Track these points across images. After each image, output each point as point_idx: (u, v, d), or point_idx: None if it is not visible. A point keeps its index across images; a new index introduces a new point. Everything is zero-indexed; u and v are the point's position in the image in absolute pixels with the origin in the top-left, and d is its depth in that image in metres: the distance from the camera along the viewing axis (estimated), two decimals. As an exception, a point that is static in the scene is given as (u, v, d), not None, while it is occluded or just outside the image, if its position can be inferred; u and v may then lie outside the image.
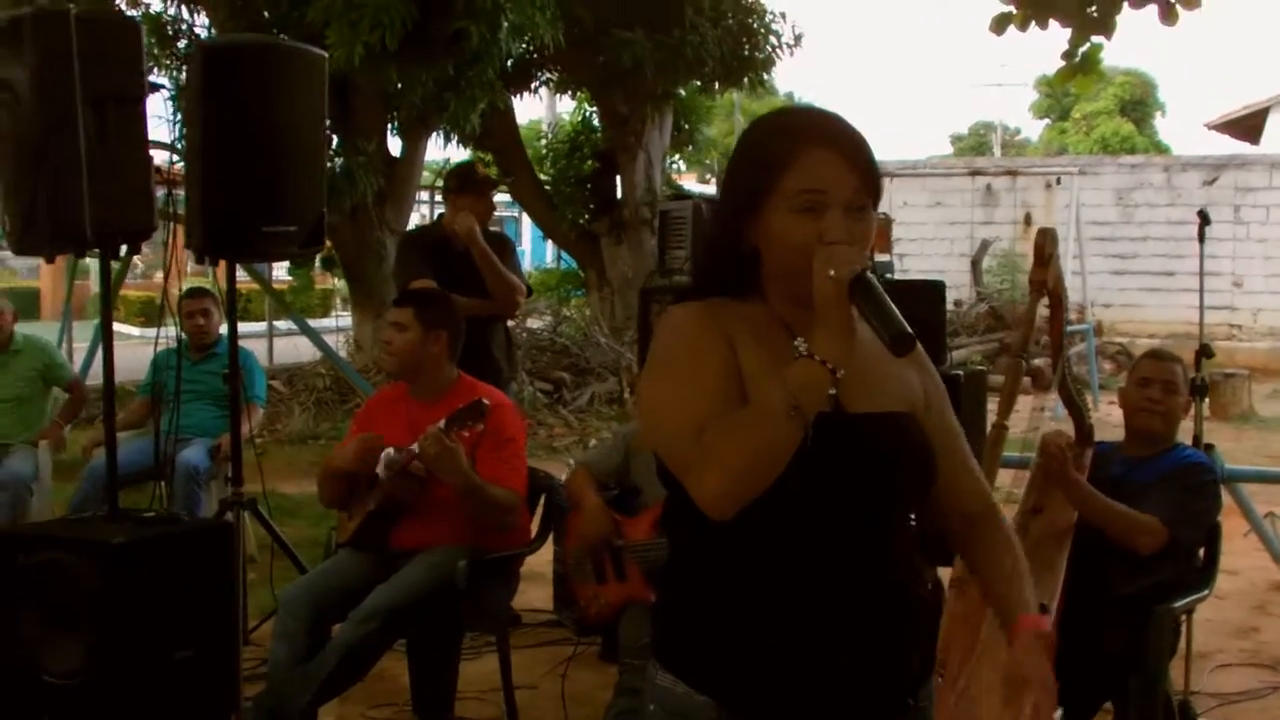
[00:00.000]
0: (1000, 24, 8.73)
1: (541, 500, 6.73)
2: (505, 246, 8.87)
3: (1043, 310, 5.45)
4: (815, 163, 2.74)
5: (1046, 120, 62.12)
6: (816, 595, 2.74)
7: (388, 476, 6.00)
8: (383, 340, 6.37)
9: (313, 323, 15.37)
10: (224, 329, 9.33)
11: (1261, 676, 7.69)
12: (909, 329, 2.58)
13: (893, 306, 2.62)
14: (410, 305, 6.36)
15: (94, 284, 32.69)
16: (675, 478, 2.73)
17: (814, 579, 2.74)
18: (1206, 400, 7.37)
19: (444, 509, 6.03)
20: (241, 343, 7.33)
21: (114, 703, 5.69)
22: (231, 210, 6.25)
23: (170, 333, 7.91)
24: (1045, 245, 5.15)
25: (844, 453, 2.70)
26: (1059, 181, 29.56)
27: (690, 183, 34.32)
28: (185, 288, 9.07)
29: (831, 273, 2.59)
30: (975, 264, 27.27)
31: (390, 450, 6.03)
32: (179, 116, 14.28)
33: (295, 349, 19.31)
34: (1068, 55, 8.96)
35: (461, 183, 8.63)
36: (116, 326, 7.22)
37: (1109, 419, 6.00)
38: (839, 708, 2.78)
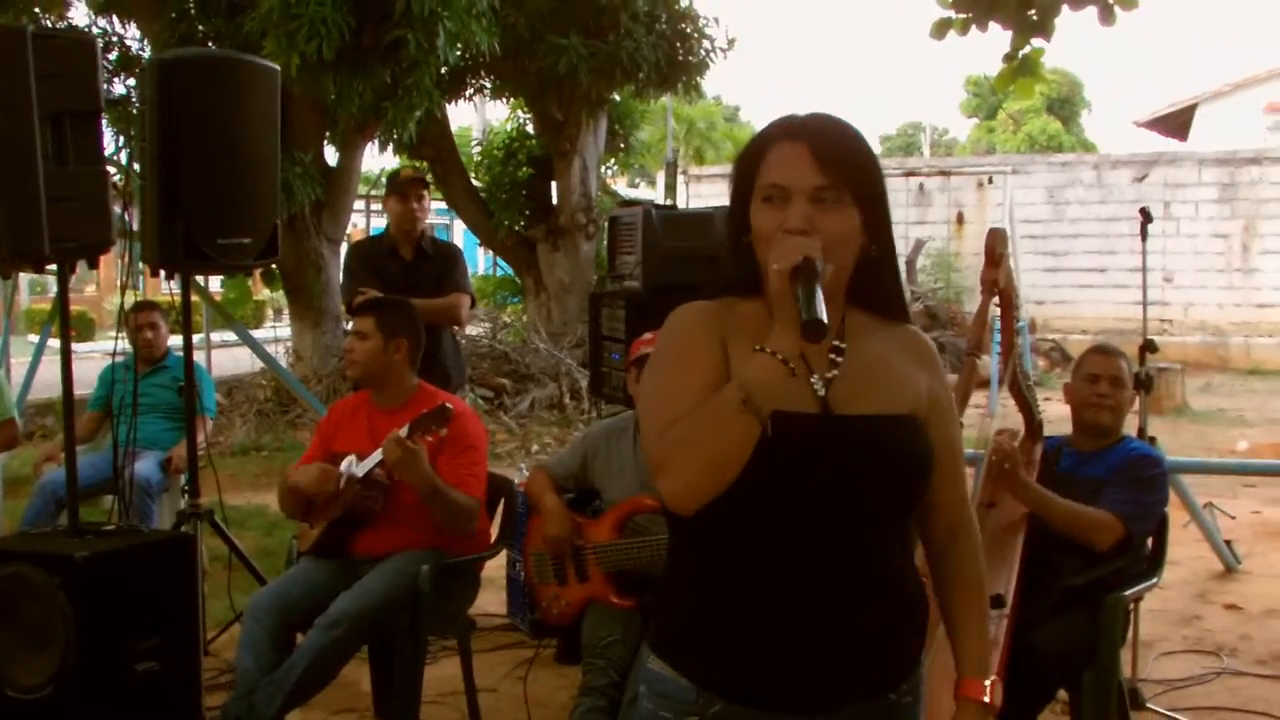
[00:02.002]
0: (940, 29, 8.76)
1: (500, 505, 6.77)
2: (454, 257, 8.94)
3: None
4: (780, 155, 2.81)
5: (975, 119, 62.39)
6: (801, 588, 2.80)
7: (349, 484, 6.03)
8: (344, 349, 6.39)
9: (250, 334, 15.33)
10: (171, 341, 9.36)
11: (1204, 663, 7.84)
12: (822, 317, 2.55)
13: (818, 295, 2.61)
14: (371, 314, 6.39)
15: (24, 299, 32.58)
16: None
17: (799, 573, 2.80)
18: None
19: (406, 515, 6.07)
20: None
21: (78, 716, 5.70)
22: (187, 223, 6.26)
23: (113, 347, 7.90)
24: (996, 246, 5.21)
25: (827, 453, 2.75)
26: (991, 180, 29.74)
27: (621, 187, 34.33)
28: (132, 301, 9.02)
29: (775, 266, 2.63)
30: (910, 264, 27.36)
31: (352, 458, 6.07)
32: (116, 129, 14.31)
33: (234, 360, 19.25)
34: (1009, 58, 9.01)
35: (388, 186, 8.78)
36: (49, 342, 7.19)
37: (1047, 415, 6.07)
38: (814, 696, 2.84)
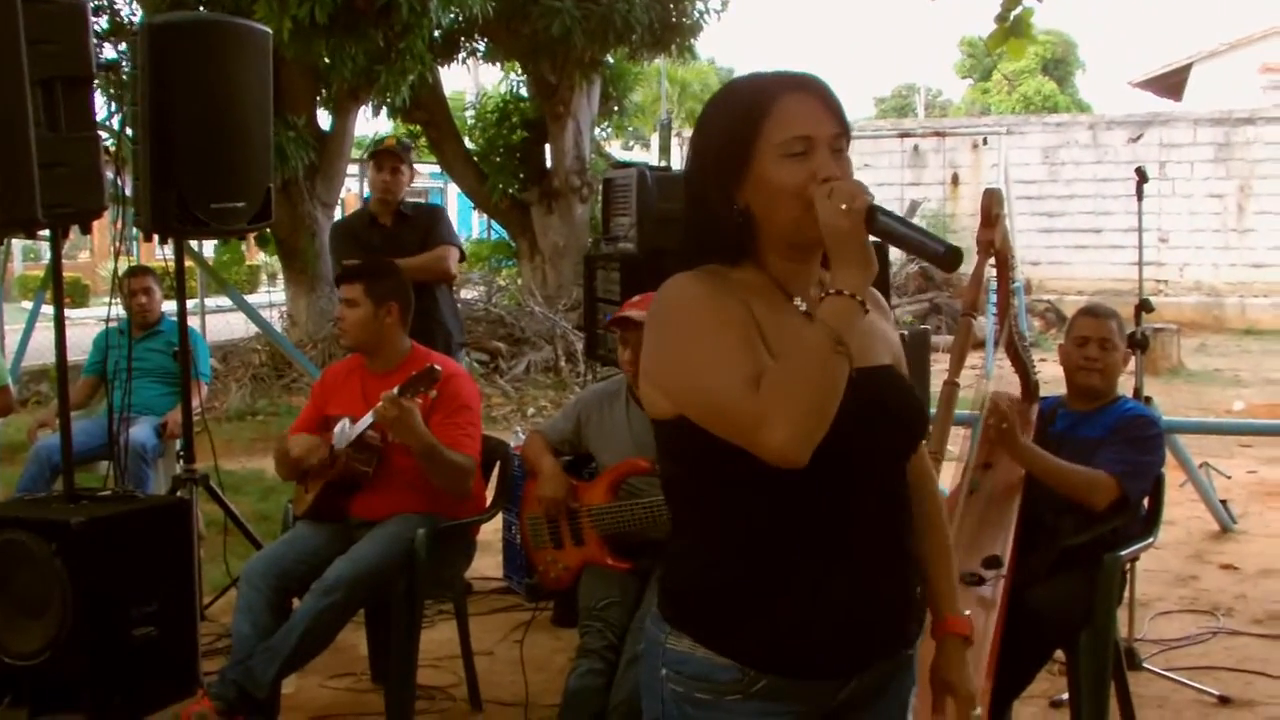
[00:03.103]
0: (935, -12, 8.79)
1: (496, 468, 6.77)
2: (435, 215, 8.99)
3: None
4: (796, 107, 2.76)
5: (969, 80, 62.31)
6: (839, 550, 2.78)
7: (344, 448, 6.03)
8: (336, 317, 6.37)
9: (245, 298, 15.30)
10: (164, 307, 9.35)
11: (1200, 622, 7.87)
12: (952, 244, 2.62)
13: (920, 228, 2.69)
14: (360, 280, 6.35)
15: (17, 266, 32.51)
16: (689, 442, 2.76)
17: (835, 534, 2.78)
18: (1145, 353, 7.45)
19: (401, 479, 6.07)
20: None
21: (76, 682, 5.72)
22: (181, 188, 6.26)
23: (107, 313, 7.89)
24: (991, 206, 5.19)
25: (853, 409, 2.67)
26: (986, 142, 29.68)
27: (615, 150, 34.32)
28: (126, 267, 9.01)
29: (843, 206, 2.61)
30: (906, 223, 27.29)
31: (345, 421, 6.07)
32: (108, 95, 14.26)
33: (228, 325, 19.24)
34: (1000, 19, 9.00)
35: (369, 155, 8.81)
36: (43, 308, 7.18)
37: (1042, 375, 6.08)
38: (854, 660, 2.84)
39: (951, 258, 2.61)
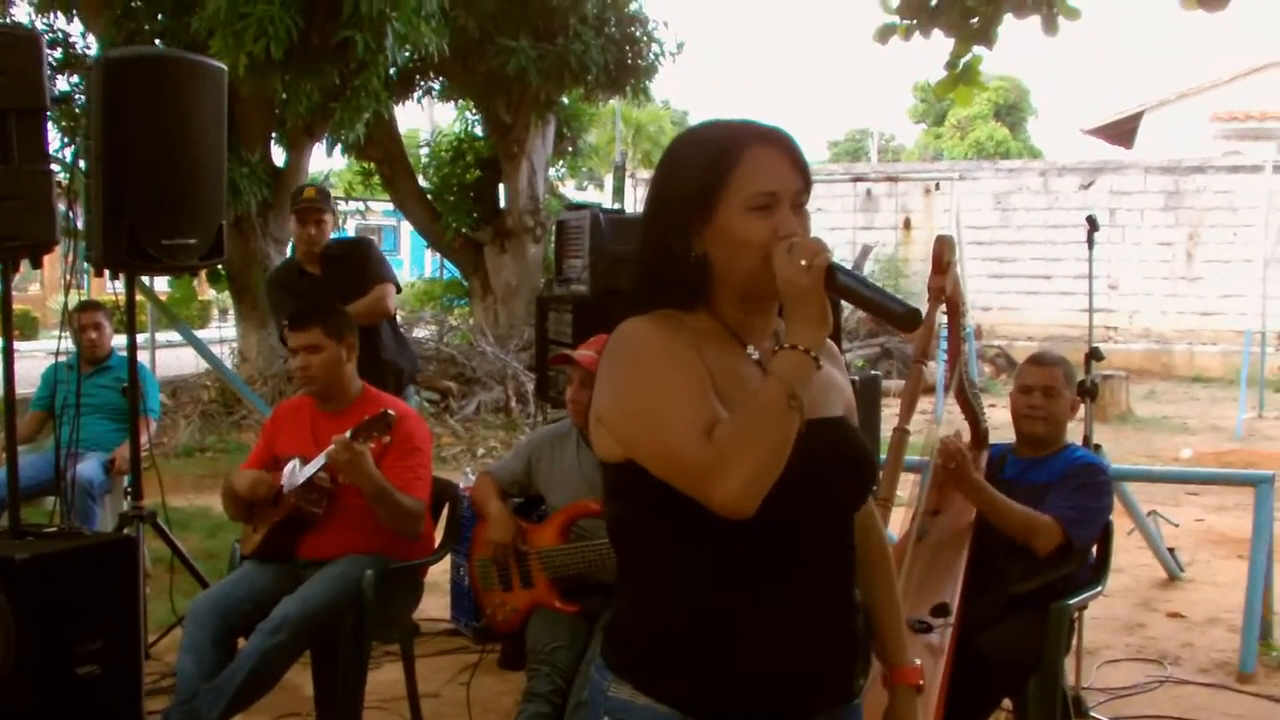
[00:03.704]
0: (884, 34, 8.77)
1: (445, 510, 6.74)
2: (364, 250, 8.97)
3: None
4: (764, 160, 2.77)
5: (922, 125, 62.61)
6: (785, 600, 2.78)
7: (293, 488, 6.00)
8: (298, 367, 6.29)
9: (195, 334, 15.24)
10: (115, 341, 9.30)
11: (1148, 670, 7.87)
12: (911, 305, 2.64)
13: (879, 288, 2.71)
14: (315, 323, 6.32)
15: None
16: (637, 487, 2.75)
17: (781, 584, 2.78)
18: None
19: (350, 520, 6.04)
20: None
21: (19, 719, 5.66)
22: (132, 223, 6.22)
23: (56, 347, 7.83)
24: (943, 253, 5.21)
25: (804, 460, 2.68)
26: (938, 186, 29.81)
27: (569, 190, 34.33)
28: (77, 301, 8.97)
29: (804, 263, 2.62)
30: (856, 269, 27.39)
31: (296, 462, 6.04)
32: (61, 127, 14.21)
33: (178, 361, 19.15)
34: (950, 65, 9.02)
35: (292, 210, 8.86)
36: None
37: (993, 421, 6.11)
38: (796, 710, 2.83)
39: (910, 318, 2.63)
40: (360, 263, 8.75)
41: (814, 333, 2.64)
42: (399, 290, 9.22)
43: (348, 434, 5.72)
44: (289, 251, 17.86)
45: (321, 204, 8.80)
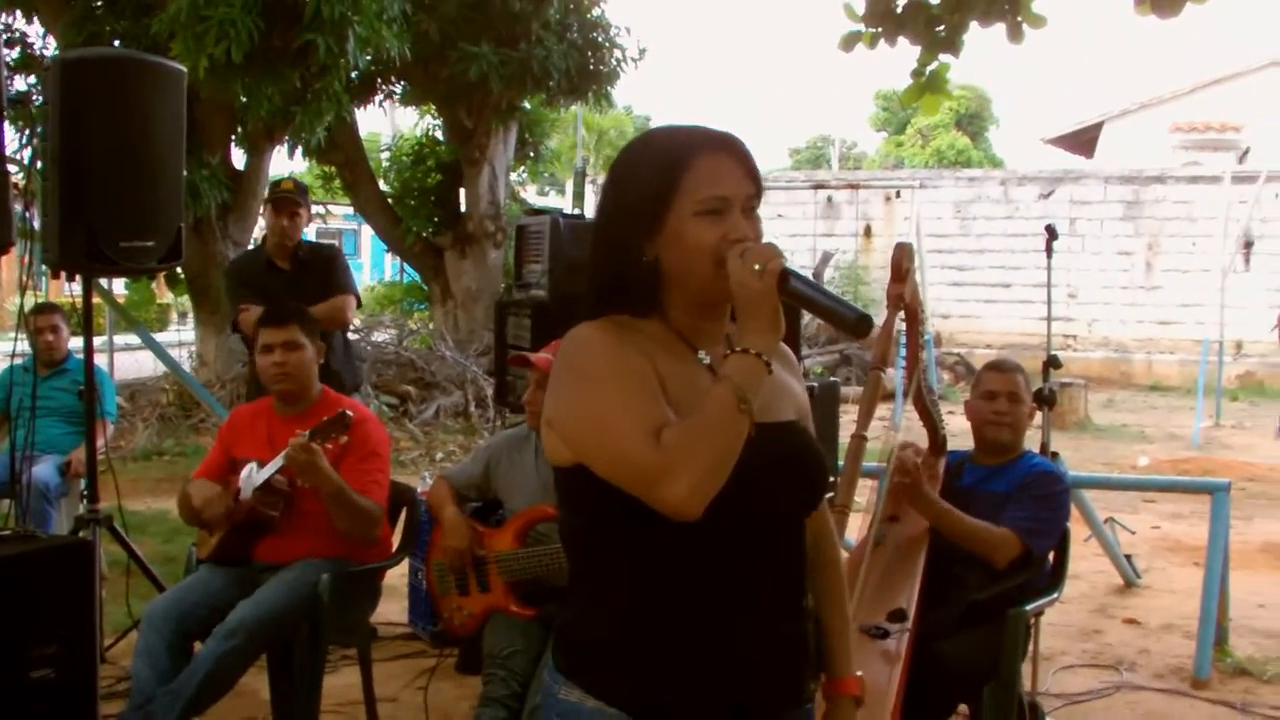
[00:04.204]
0: (849, 42, 8.77)
1: (403, 514, 6.73)
2: (333, 259, 8.95)
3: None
4: (715, 165, 2.78)
5: (884, 133, 62.73)
6: (734, 605, 2.79)
7: (250, 492, 5.97)
8: (273, 364, 6.25)
9: (153, 337, 15.16)
10: (72, 344, 9.25)
11: (1103, 676, 7.92)
12: (863, 311, 2.65)
13: (831, 294, 2.72)
14: (294, 321, 6.33)
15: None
16: (587, 492, 2.75)
17: (731, 589, 2.79)
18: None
19: (307, 523, 6.02)
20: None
21: (-29, 724, 5.62)
22: (90, 225, 6.20)
23: (12, 349, 7.80)
24: (903, 260, 5.23)
25: (757, 462, 2.70)
26: (899, 195, 29.89)
27: (531, 195, 34.31)
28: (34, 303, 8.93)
29: (757, 267, 2.63)
30: (817, 276, 27.44)
31: (253, 465, 6.01)
32: (18, 128, 14.14)
33: (137, 364, 19.06)
34: (916, 73, 9.03)
35: (267, 197, 8.78)
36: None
37: (950, 429, 6.13)
38: (749, 712, 2.83)
39: (861, 325, 2.65)
40: (327, 269, 8.76)
41: (766, 338, 2.66)
42: (359, 304, 9.25)
43: (305, 435, 5.70)
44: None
45: (298, 197, 8.82)
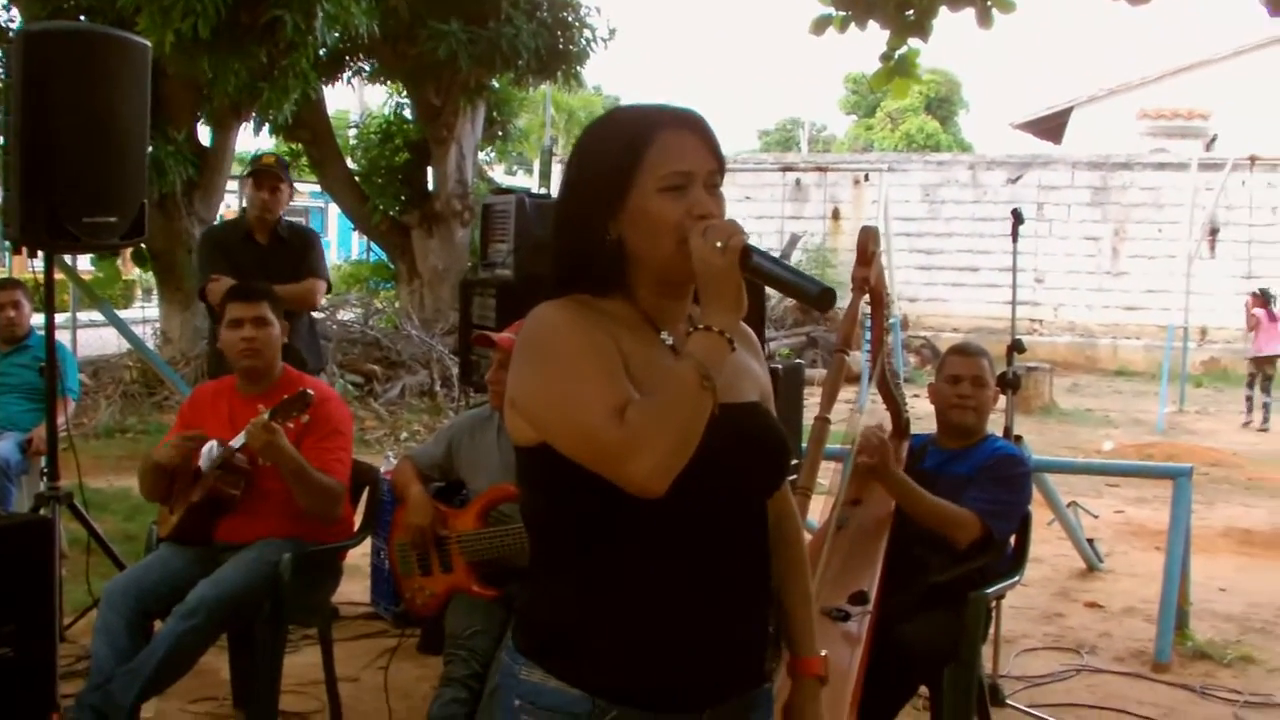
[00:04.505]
0: (819, 25, 8.76)
1: (365, 493, 6.71)
2: (310, 242, 8.92)
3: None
4: (677, 141, 2.77)
5: (853, 117, 62.77)
6: (695, 585, 2.78)
7: (211, 470, 5.95)
8: (242, 339, 6.22)
9: (117, 314, 15.08)
10: (34, 320, 9.20)
11: (1064, 659, 7.97)
12: (826, 284, 2.65)
13: (794, 268, 2.72)
14: (265, 298, 6.32)
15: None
16: (550, 471, 2.74)
17: (692, 569, 2.78)
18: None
19: (268, 502, 6.00)
20: (51, 335, 7.21)
21: (-70, 702, 5.59)
22: (52, 200, 6.15)
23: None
24: (868, 243, 5.22)
25: (719, 443, 2.68)
26: (867, 178, 29.93)
27: (499, 175, 34.23)
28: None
29: (719, 244, 2.63)
30: (784, 257, 27.47)
31: (214, 443, 5.98)
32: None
33: (100, 340, 18.99)
34: (885, 57, 9.03)
35: (248, 171, 8.76)
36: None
37: (914, 412, 6.14)
38: (706, 695, 2.83)
39: (825, 298, 2.64)
40: (302, 251, 8.75)
41: (728, 315, 2.65)
42: (329, 290, 9.25)
43: (265, 414, 5.68)
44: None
45: (280, 171, 8.80)
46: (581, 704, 2.77)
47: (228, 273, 7.89)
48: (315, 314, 9.28)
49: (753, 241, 2.67)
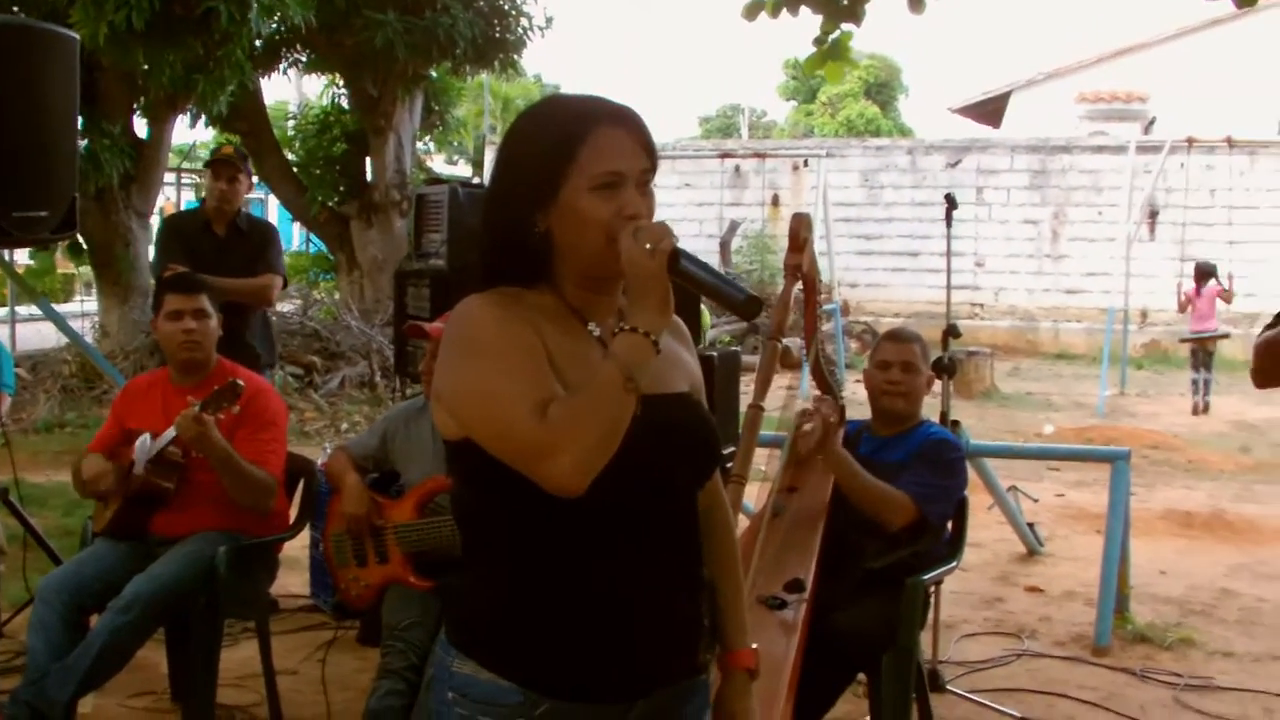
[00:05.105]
0: (752, 10, 8.75)
1: (300, 485, 6.69)
2: (268, 237, 8.92)
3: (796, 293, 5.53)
4: (609, 141, 2.76)
5: (793, 102, 62.81)
6: (624, 576, 2.80)
7: (144, 463, 5.92)
8: (183, 331, 6.20)
9: (56, 308, 14.97)
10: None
11: (1005, 644, 7.99)
12: (753, 292, 2.65)
13: (721, 275, 2.72)
14: (203, 291, 6.32)
15: None
16: (474, 465, 2.75)
17: (621, 560, 2.79)
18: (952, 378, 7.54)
19: (203, 496, 5.98)
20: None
21: None
22: (-20, 195, 6.12)
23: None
24: (800, 230, 5.23)
25: (646, 434, 2.70)
26: (806, 163, 29.96)
27: (439, 165, 34.15)
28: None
29: (648, 246, 2.63)
30: (724, 245, 27.49)
31: (146, 436, 5.96)
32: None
33: (39, 335, 18.87)
34: (818, 42, 9.02)
35: (207, 163, 8.74)
36: None
37: (855, 398, 6.17)
38: (635, 686, 2.85)
39: (750, 306, 2.67)
40: (261, 245, 8.76)
41: (655, 317, 2.64)
42: (285, 286, 9.25)
43: (196, 406, 5.66)
44: (154, 223, 17.65)
45: (238, 162, 8.80)
46: (512, 695, 2.78)
47: (183, 262, 7.88)
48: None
49: (679, 243, 2.67)
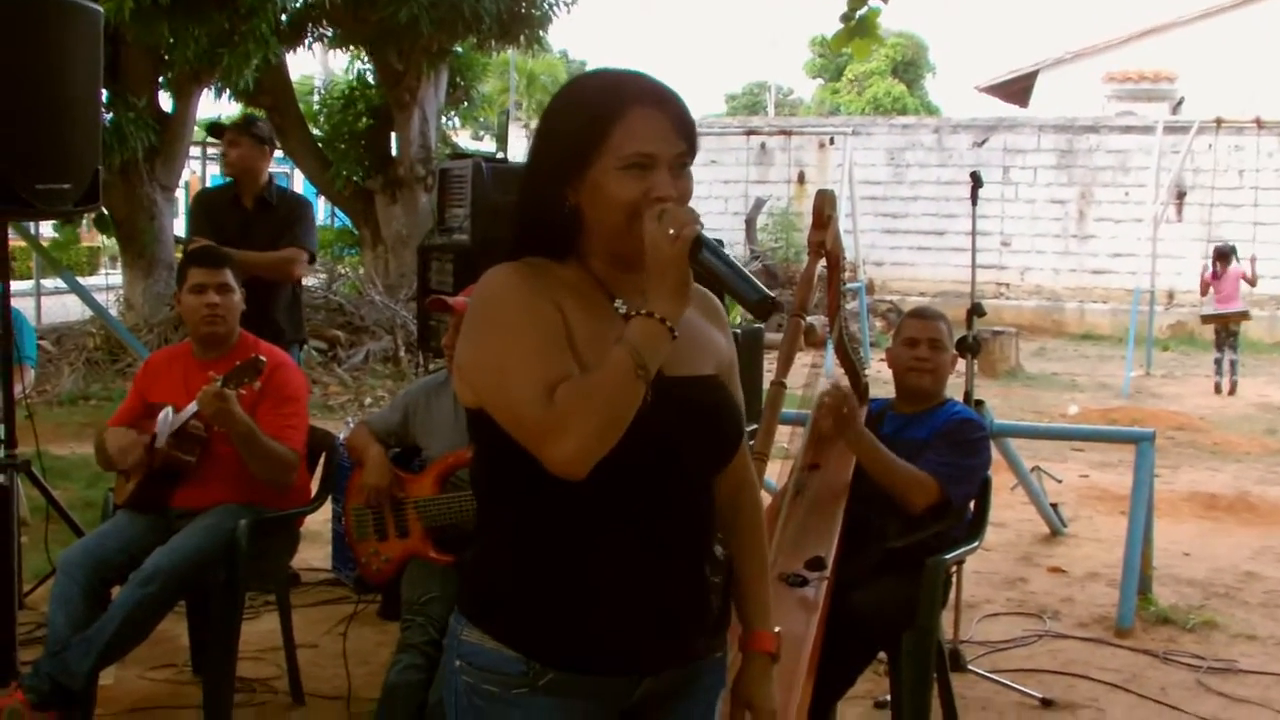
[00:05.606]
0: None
1: (322, 459, 6.69)
2: (298, 212, 8.84)
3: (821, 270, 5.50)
4: (643, 122, 2.74)
5: (820, 80, 62.71)
6: (629, 554, 2.79)
7: (166, 437, 5.92)
8: (207, 305, 6.20)
9: (81, 281, 14.99)
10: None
11: (1026, 625, 7.97)
12: (769, 292, 2.64)
13: (743, 269, 2.69)
14: (228, 265, 6.33)
15: None
16: (489, 435, 2.75)
17: (627, 538, 2.79)
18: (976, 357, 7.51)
19: (224, 469, 5.98)
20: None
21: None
22: (4, 167, 6.09)
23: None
24: (824, 207, 5.22)
25: (664, 415, 2.71)
26: (832, 141, 29.88)
27: (464, 140, 34.14)
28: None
29: (671, 231, 2.61)
30: (749, 222, 27.47)
31: (169, 410, 5.96)
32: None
33: (64, 307, 18.92)
34: (846, 18, 9.00)
35: (229, 129, 8.67)
36: None
37: (879, 376, 6.14)
38: (641, 662, 2.85)
39: (763, 306, 2.64)
40: (289, 220, 8.67)
41: (672, 303, 2.64)
42: (312, 261, 9.17)
43: (218, 381, 5.66)
44: (181, 198, 17.66)
45: (241, 128, 8.76)
46: (516, 665, 2.79)
47: (209, 235, 7.87)
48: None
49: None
